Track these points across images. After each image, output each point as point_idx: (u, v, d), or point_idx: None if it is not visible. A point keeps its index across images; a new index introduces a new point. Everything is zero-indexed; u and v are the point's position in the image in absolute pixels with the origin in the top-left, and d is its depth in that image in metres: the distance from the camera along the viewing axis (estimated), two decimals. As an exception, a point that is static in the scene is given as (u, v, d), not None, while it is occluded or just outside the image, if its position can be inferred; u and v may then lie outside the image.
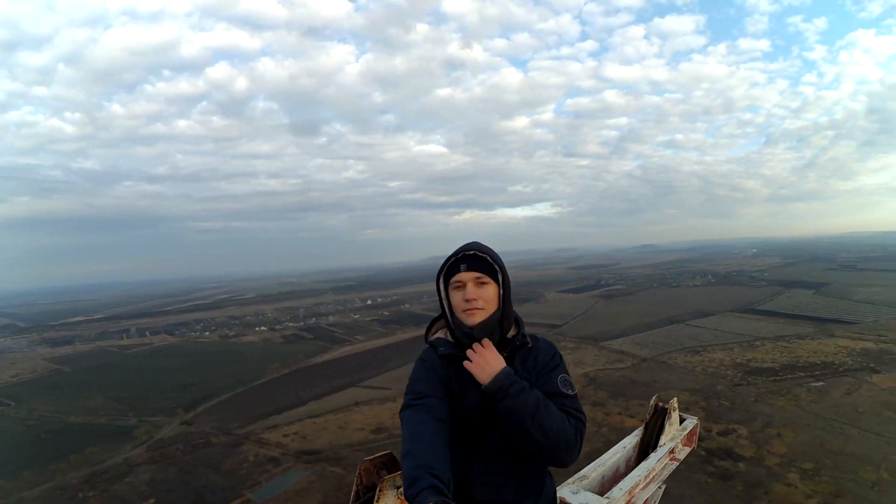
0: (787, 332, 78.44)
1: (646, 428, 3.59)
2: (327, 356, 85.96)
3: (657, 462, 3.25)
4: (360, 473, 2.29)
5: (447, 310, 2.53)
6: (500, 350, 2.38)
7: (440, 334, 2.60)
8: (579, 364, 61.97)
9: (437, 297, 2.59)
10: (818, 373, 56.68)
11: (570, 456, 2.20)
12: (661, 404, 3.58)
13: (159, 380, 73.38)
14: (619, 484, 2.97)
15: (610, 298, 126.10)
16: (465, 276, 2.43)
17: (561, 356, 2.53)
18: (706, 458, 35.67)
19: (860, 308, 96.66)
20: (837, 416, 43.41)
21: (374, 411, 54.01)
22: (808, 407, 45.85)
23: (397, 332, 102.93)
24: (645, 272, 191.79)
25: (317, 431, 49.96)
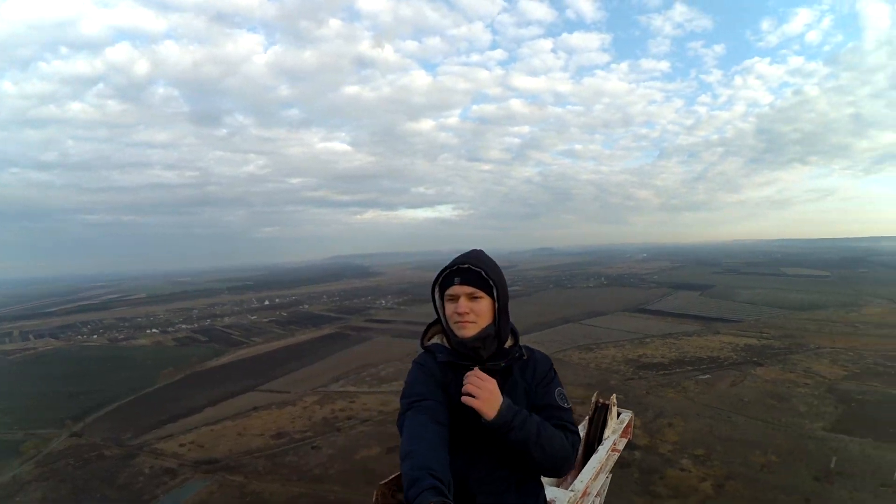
0: (676, 330, 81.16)
1: (590, 423, 3.82)
2: (223, 359, 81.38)
3: (605, 454, 3.48)
4: (376, 498, 2.29)
5: (442, 319, 2.51)
6: (499, 360, 2.41)
7: (436, 340, 2.57)
8: (479, 367, 60.70)
9: (433, 306, 2.54)
10: (705, 367, 58.32)
11: (566, 469, 2.36)
12: (601, 401, 3.85)
13: (45, 388, 67.25)
14: (580, 476, 3.09)
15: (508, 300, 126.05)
16: (458, 289, 2.39)
17: (555, 369, 2.56)
18: None
19: (743, 308, 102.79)
20: (725, 406, 44.37)
21: (273, 416, 51.97)
22: (697, 398, 46.64)
23: (296, 333, 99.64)
24: (542, 274, 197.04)
25: (214, 439, 47.16)
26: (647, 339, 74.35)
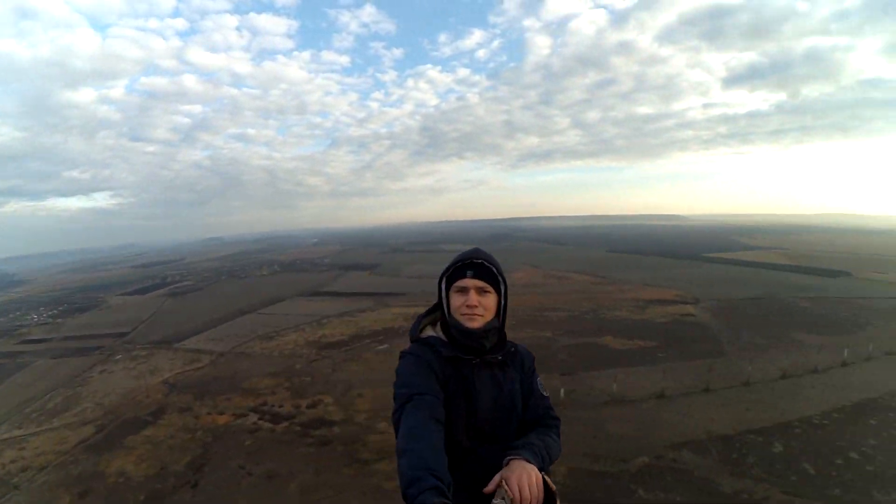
0: (351, 308, 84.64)
1: None
2: None
3: None
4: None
5: (446, 309, 2.63)
6: (497, 353, 2.59)
7: (430, 332, 2.68)
8: (155, 372, 53.47)
9: (438, 295, 2.68)
10: (382, 338, 62.08)
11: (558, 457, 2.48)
12: None
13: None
14: None
15: (179, 296, 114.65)
16: (469, 282, 2.54)
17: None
18: (303, 433, 35.40)
19: (409, 282, 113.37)
20: None
21: None
22: (379, 366, 48.92)
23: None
24: (213, 265, 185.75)
25: None
26: (326, 320, 75.85)
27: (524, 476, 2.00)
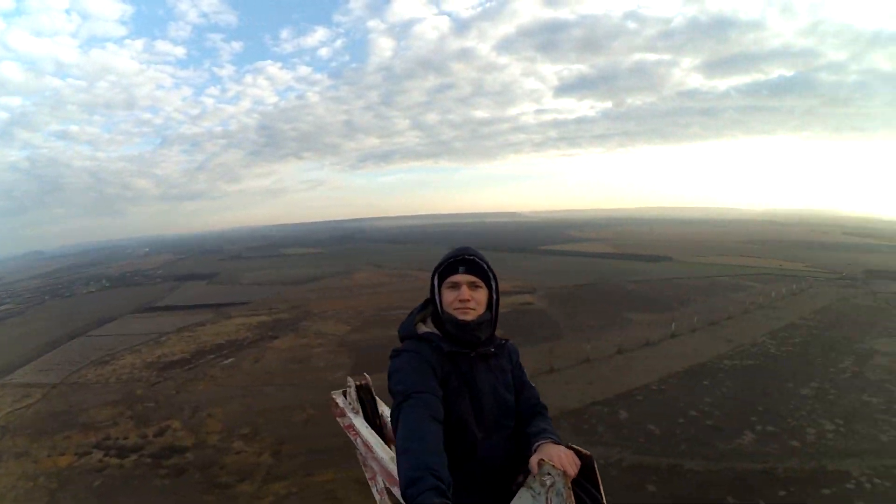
0: (190, 322, 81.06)
1: (362, 404, 3.93)
2: None
3: None
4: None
5: (438, 305, 2.70)
6: (490, 345, 2.68)
7: (425, 328, 2.73)
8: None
9: (430, 291, 2.77)
10: (226, 352, 60.70)
11: None
12: (361, 381, 3.97)
13: None
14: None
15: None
16: (461, 277, 2.63)
17: None
18: (154, 464, 33.81)
19: (250, 289, 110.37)
20: (254, 382, 47.81)
21: None
22: (227, 382, 48.51)
23: None
24: (34, 284, 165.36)
25: None
26: (164, 338, 71.98)
27: (561, 452, 2.17)
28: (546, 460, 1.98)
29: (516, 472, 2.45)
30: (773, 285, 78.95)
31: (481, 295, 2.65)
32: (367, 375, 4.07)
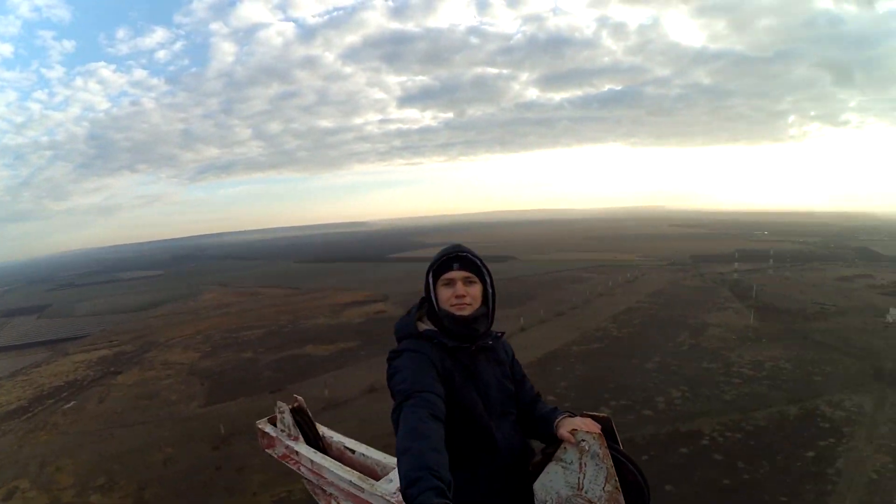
0: (23, 364, 72.39)
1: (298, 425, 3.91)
2: None
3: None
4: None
5: (435, 302, 2.71)
6: (487, 338, 2.77)
7: (424, 326, 2.73)
8: None
9: (425, 290, 2.76)
10: (67, 394, 54.70)
11: None
12: (295, 404, 3.97)
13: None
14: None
15: None
16: (456, 274, 2.67)
17: None
18: None
19: (87, 321, 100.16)
20: (103, 425, 43.85)
21: None
22: (72, 429, 44.36)
23: None
24: None
25: None
26: None
27: (587, 419, 2.26)
28: (578, 429, 2.18)
29: (527, 454, 2.62)
30: (611, 275, 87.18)
31: (476, 290, 2.73)
32: (299, 397, 4.03)
